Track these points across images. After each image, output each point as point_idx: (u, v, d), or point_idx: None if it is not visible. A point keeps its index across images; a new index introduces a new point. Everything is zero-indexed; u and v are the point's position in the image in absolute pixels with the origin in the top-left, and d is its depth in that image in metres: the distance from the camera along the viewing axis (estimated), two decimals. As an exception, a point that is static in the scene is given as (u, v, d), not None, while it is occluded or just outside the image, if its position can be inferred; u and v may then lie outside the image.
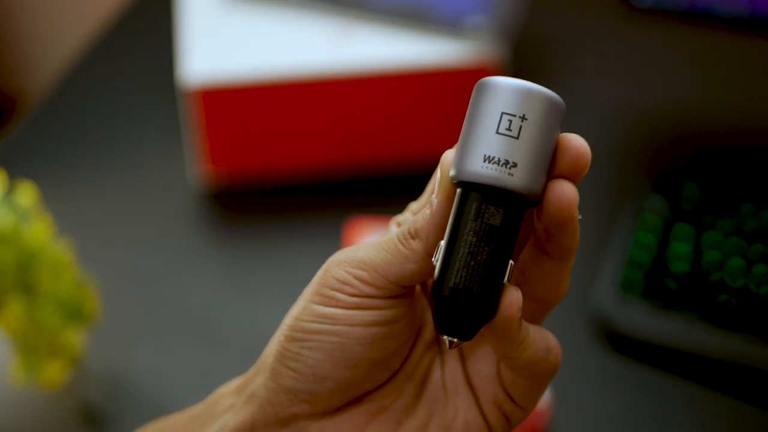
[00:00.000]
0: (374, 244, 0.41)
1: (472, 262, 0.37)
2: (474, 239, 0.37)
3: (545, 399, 0.70)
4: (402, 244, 0.40)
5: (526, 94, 0.38)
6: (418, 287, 0.44)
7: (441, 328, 0.38)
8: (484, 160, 0.37)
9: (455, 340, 0.38)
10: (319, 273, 0.42)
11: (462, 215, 0.38)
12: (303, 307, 0.42)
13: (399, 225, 0.43)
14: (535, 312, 0.42)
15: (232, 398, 0.44)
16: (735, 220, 0.80)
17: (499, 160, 0.37)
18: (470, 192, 0.38)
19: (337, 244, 0.84)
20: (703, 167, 0.88)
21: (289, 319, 0.42)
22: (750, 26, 0.82)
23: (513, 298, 0.38)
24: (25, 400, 0.75)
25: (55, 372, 0.74)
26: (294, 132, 0.86)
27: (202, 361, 0.77)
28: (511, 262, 0.38)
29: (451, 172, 0.39)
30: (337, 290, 0.41)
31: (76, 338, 0.74)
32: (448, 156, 0.39)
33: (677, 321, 0.75)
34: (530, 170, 0.37)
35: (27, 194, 0.71)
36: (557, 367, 0.41)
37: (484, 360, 0.43)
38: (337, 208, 0.87)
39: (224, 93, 0.84)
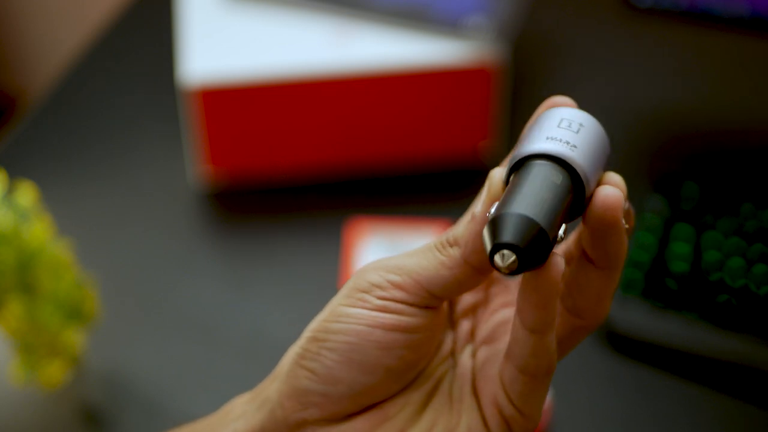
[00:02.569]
0: (411, 252, 0.42)
1: (539, 199, 0.38)
2: (538, 186, 0.38)
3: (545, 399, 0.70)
4: (439, 251, 0.41)
5: (585, 115, 0.41)
6: (444, 306, 0.44)
7: (499, 241, 0.37)
8: (547, 140, 0.39)
9: (511, 259, 0.37)
10: (353, 276, 0.42)
11: (524, 174, 0.39)
12: (330, 309, 0.42)
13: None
14: (575, 329, 0.42)
15: (245, 406, 0.45)
16: (735, 220, 0.80)
17: (560, 140, 0.39)
18: (530, 161, 0.40)
19: (337, 244, 0.84)
20: (703, 167, 0.88)
21: (313, 323, 0.43)
22: (750, 26, 0.82)
23: (558, 259, 0.38)
24: (25, 400, 0.75)
25: (55, 372, 0.74)
26: (294, 132, 0.86)
27: (202, 361, 0.77)
28: (564, 226, 0.38)
29: (508, 164, 0.40)
30: (367, 292, 0.41)
31: (76, 338, 0.74)
32: (497, 171, 0.40)
33: (677, 321, 0.75)
34: (586, 158, 0.39)
35: (27, 194, 0.71)
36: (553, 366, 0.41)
37: (492, 365, 0.43)
38: (337, 208, 0.87)
39: (224, 93, 0.84)
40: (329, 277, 0.82)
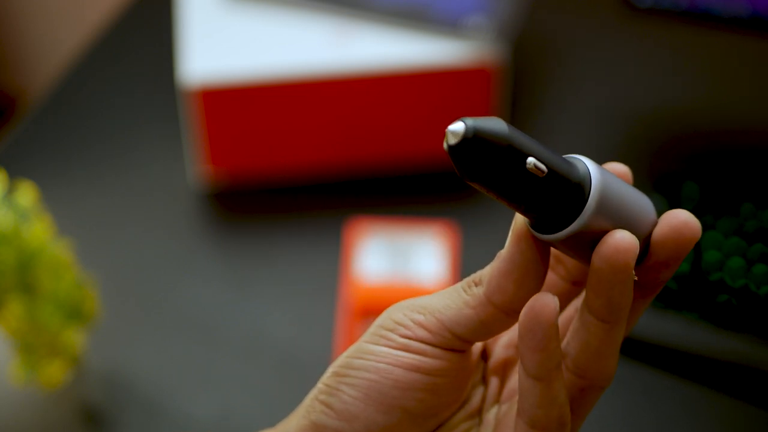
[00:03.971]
0: (438, 292, 0.41)
1: (532, 140, 0.37)
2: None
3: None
4: (464, 291, 0.40)
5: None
6: (474, 357, 0.43)
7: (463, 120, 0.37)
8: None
9: (460, 129, 0.36)
10: (380, 315, 0.42)
11: None
12: (355, 346, 0.42)
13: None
14: (581, 390, 0.40)
15: None
16: (735, 220, 0.80)
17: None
18: None
19: (337, 244, 0.84)
20: (703, 167, 0.88)
21: (338, 359, 0.42)
22: (750, 26, 0.82)
23: (550, 299, 0.37)
24: (25, 400, 0.75)
25: (55, 372, 0.74)
26: (294, 132, 0.86)
27: (202, 361, 0.77)
28: (533, 159, 0.37)
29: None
30: (391, 330, 0.41)
31: (76, 338, 0.74)
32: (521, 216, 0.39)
33: (677, 321, 0.75)
34: (615, 179, 0.39)
35: (27, 194, 0.71)
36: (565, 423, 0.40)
37: (507, 423, 0.42)
38: (337, 208, 0.87)
39: (224, 93, 0.84)
40: (329, 277, 0.82)
